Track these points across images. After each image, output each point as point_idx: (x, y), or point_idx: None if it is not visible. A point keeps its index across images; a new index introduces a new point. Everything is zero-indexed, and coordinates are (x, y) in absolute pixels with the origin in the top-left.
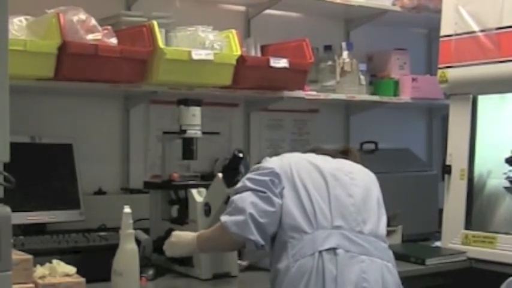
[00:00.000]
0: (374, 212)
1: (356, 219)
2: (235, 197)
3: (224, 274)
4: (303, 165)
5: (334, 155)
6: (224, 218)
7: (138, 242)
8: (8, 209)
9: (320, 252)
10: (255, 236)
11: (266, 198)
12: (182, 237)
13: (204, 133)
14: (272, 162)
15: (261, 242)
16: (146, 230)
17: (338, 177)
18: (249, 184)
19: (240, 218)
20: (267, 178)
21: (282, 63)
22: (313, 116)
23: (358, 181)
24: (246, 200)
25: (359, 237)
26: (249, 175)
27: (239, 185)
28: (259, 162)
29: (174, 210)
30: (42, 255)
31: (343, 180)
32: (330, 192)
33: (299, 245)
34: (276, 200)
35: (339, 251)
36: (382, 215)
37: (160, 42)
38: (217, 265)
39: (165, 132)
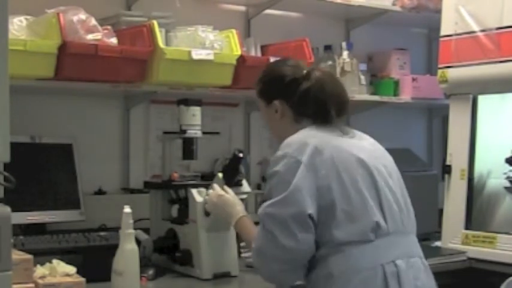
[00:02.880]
0: (407, 201)
1: (401, 218)
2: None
3: (224, 274)
4: (349, 163)
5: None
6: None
7: (138, 242)
8: (8, 208)
9: (382, 265)
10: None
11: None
12: (226, 207)
13: (204, 133)
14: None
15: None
16: (146, 230)
17: (380, 171)
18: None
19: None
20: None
21: None
22: None
23: (389, 168)
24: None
25: (405, 239)
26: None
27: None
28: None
29: (174, 210)
30: (42, 255)
31: (383, 174)
32: (381, 193)
33: (357, 256)
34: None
35: (398, 261)
36: (408, 198)
37: (161, 42)
38: (217, 265)
39: (165, 132)
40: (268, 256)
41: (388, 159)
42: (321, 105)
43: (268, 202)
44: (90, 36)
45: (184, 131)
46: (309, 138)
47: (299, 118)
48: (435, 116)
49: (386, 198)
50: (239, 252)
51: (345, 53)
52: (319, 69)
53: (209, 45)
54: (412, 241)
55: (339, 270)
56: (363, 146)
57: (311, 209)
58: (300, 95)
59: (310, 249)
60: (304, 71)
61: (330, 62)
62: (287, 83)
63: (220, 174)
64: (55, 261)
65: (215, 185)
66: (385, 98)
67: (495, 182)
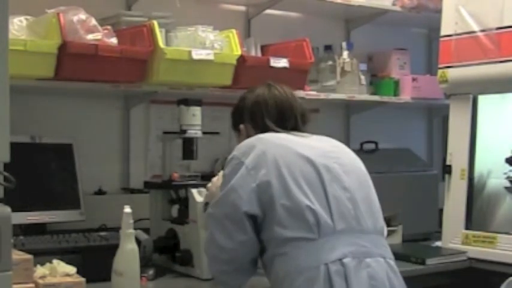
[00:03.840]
0: (370, 200)
1: (356, 216)
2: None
3: None
4: (292, 160)
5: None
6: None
7: (138, 242)
8: (8, 209)
9: (326, 264)
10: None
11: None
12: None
13: (204, 133)
14: (256, 171)
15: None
16: (146, 230)
17: (330, 168)
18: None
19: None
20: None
21: (282, 63)
22: (313, 116)
23: (347, 167)
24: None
25: (361, 238)
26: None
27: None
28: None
29: (175, 210)
30: (42, 255)
31: (334, 170)
32: (327, 190)
33: (300, 256)
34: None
35: (346, 260)
36: (375, 199)
37: (161, 42)
38: None
39: (165, 132)
40: (209, 256)
41: (348, 159)
42: (262, 116)
43: (211, 203)
44: (90, 36)
45: (184, 131)
46: (257, 140)
47: (258, 132)
48: (435, 116)
49: (335, 196)
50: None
51: (345, 53)
52: (266, 86)
53: (209, 45)
54: (373, 241)
55: (284, 271)
56: (313, 146)
57: (248, 207)
58: (248, 112)
59: (249, 252)
60: (249, 93)
61: (330, 62)
62: (240, 107)
63: (222, 173)
64: (55, 261)
65: (221, 174)
66: (385, 98)
67: (495, 182)
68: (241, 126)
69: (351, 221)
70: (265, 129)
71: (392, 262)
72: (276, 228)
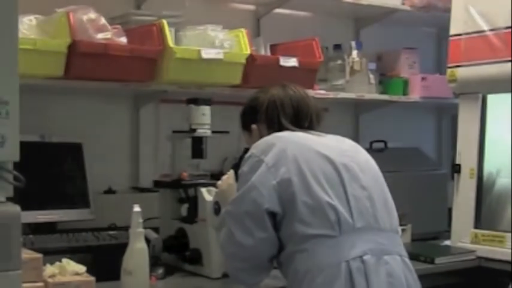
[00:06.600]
0: (385, 198)
1: (374, 214)
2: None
3: None
4: (312, 158)
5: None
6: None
7: (147, 241)
8: (17, 207)
9: (347, 261)
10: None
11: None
12: (229, 196)
13: (213, 132)
14: (276, 169)
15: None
16: (156, 229)
17: (348, 167)
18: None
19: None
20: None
21: (291, 62)
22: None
23: (362, 165)
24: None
25: (378, 235)
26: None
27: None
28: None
29: (184, 209)
30: (52, 254)
31: (352, 169)
32: (347, 188)
33: (321, 253)
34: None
35: (366, 257)
36: (390, 198)
37: (170, 41)
38: None
39: (174, 132)
40: (228, 253)
41: (364, 158)
42: (278, 116)
43: (229, 200)
44: (99, 36)
45: (193, 130)
46: (276, 139)
47: (272, 132)
48: (444, 115)
49: (354, 194)
50: None
51: (355, 52)
52: (281, 86)
53: (219, 44)
54: (390, 238)
55: (304, 268)
56: (330, 145)
57: (269, 204)
58: (263, 112)
59: (268, 249)
60: (262, 93)
61: (339, 61)
62: (253, 107)
63: (232, 171)
64: (65, 260)
65: (231, 172)
66: (394, 97)
67: (504, 181)
68: (254, 126)
69: (369, 218)
70: (280, 129)
71: (407, 260)
72: (297, 225)
